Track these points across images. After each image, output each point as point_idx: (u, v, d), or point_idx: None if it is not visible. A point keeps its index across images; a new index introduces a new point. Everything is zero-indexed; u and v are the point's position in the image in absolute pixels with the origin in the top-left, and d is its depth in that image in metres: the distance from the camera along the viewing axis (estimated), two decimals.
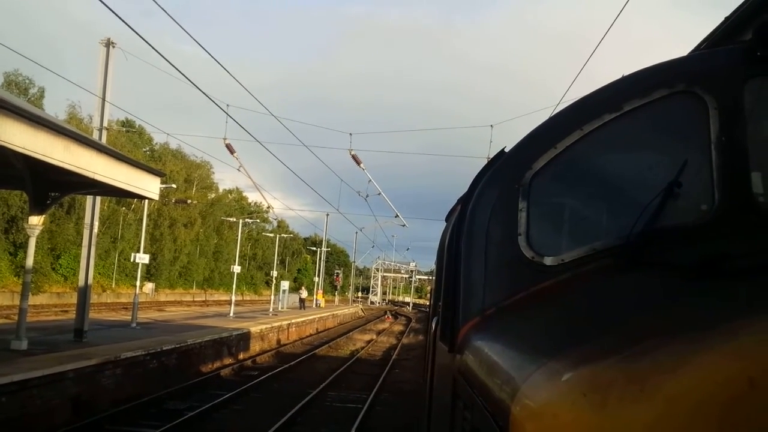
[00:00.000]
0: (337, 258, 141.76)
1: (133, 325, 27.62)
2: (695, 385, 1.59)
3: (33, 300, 36.37)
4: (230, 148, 26.14)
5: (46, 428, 12.86)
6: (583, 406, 1.70)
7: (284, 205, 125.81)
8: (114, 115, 60.44)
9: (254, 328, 30.93)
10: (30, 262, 18.72)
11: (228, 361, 25.64)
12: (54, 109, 70.37)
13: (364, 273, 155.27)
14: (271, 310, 48.23)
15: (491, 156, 3.98)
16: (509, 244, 3.14)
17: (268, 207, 55.98)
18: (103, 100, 22.23)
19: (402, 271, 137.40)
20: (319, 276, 79.74)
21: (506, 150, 3.51)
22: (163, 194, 60.09)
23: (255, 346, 30.21)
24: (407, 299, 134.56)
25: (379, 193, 34.17)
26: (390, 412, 17.80)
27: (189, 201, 68.34)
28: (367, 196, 35.45)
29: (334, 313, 60.02)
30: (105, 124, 22.70)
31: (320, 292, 75.45)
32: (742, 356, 1.60)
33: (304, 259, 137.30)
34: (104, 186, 17.66)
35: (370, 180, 32.39)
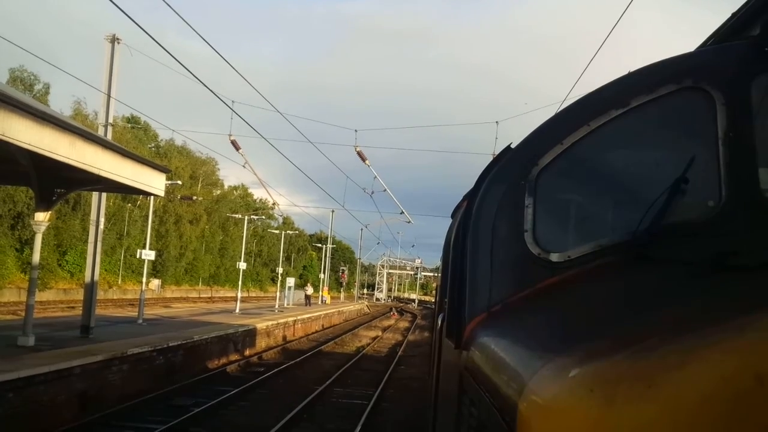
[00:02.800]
0: (343, 255, 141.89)
1: (140, 321, 27.71)
2: (702, 381, 1.59)
3: (39, 296, 36.52)
4: (235, 145, 26.21)
5: (53, 424, 12.91)
6: (590, 402, 1.70)
7: (289, 202, 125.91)
8: (119, 112, 60.65)
9: (260, 325, 30.98)
10: (36, 258, 18.81)
11: (234, 357, 25.70)
12: (59, 105, 70.66)
13: (369, 270, 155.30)
14: (276, 306, 48.31)
15: (497, 152, 3.97)
16: (515, 240, 3.13)
17: (274, 203, 55.95)
18: (109, 96, 22.27)
19: (407, 268, 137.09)
20: (324, 273, 79.82)
21: (512, 146, 3.50)
22: (169, 191, 60.27)
23: (261, 343, 30.27)
24: (413, 296, 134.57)
25: (385, 190, 34.24)
26: (396, 409, 17.82)
27: (194, 197, 68.45)
28: (372, 192, 35.54)
29: (340, 309, 60.09)
30: (110, 120, 22.72)
31: (326, 288, 75.56)
32: (749, 352, 1.59)
33: (309, 255, 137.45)
34: (110, 182, 17.71)
35: (376, 176, 32.44)
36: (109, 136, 21.58)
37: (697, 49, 4.30)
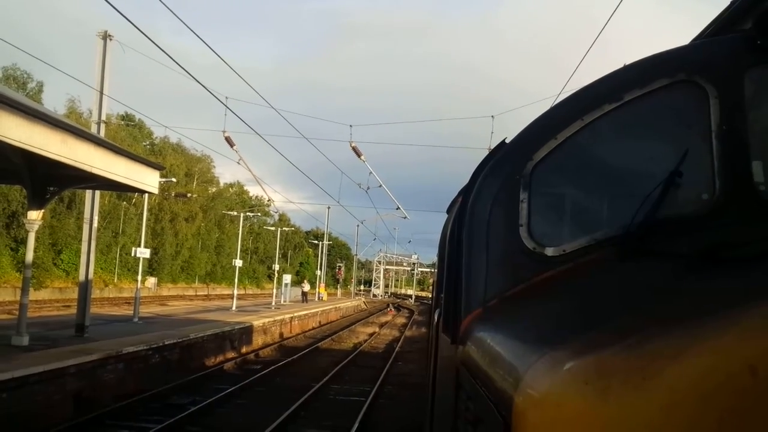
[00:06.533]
0: (339, 251, 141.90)
1: (135, 319, 27.68)
2: (696, 372, 1.60)
3: (35, 295, 36.46)
4: (230, 141, 26.11)
5: (48, 424, 12.87)
6: (585, 395, 1.71)
7: (285, 199, 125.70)
8: (114, 109, 60.51)
9: (257, 322, 30.98)
10: (30, 257, 18.74)
11: (231, 355, 25.69)
12: (53, 103, 70.27)
13: (366, 266, 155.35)
14: (273, 303, 48.28)
15: (492, 147, 3.97)
16: (511, 235, 3.14)
17: (269, 200, 55.98)
18: (101, 93, 22.19)
19: (404, 264, 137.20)
20: (321, 269, 79.77)
21: (507, 141, 3.50)
22: (164, 188, 60.20)
23: (258, 340, 30.26)
24: (410, 292, 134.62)
25: (380, 186, 34.12)
26: (393, 405, 17.84)
27: (190, 195, 68.45)
28: (368, 188, 35.44)
29: (337, 306, 60.10)
30: (104, 117, 22.63)
31: (322, 285, 75.51)
32: (742, 342, 1.61)
33: (306, 252, 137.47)
34: (103, 180, 17.63)
35: (371, 172, 32.33)
36: (102, 134, 21.49)
37: (690, 42, 4.30)
